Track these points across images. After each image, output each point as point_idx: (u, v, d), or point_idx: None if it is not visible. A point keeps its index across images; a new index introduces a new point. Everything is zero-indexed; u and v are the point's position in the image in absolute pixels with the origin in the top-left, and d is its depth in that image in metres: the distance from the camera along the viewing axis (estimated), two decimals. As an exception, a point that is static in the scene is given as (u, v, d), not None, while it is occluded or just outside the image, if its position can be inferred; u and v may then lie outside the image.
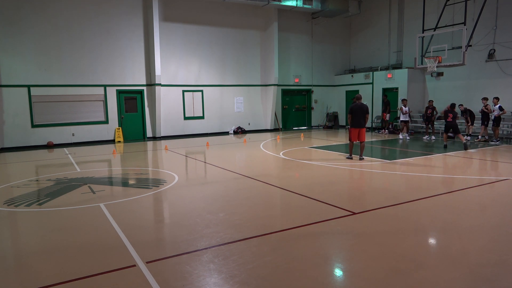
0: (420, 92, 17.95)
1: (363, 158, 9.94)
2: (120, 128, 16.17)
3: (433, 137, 14.71)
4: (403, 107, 15.28)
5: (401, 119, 15.54)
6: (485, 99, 13.36)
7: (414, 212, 5.48)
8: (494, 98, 13.22)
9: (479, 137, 13.54)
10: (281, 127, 20.47)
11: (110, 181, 8.24)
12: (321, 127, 21.78)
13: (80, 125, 15.44)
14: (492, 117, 13.18)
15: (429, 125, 14.96)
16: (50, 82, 14.65)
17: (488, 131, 13.72)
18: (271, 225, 5.04)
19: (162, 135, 17.12)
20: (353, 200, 6.34)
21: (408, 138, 14.93)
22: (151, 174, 8.99)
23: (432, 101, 15.24)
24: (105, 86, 15.75)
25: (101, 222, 5.28)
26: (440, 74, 16.93)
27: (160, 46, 16.33)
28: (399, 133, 15.98)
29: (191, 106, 17.88)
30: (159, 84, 16.26)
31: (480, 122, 13.68)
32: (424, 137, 14.94)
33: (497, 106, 12.98)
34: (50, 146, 14.66)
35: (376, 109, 19.00)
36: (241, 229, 4.86)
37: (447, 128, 12.34)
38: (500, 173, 8.40)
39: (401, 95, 17.64)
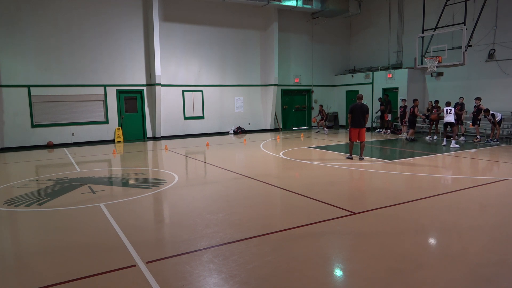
0: (420, 92, 17.94)
1: (363, 158, 9.94)
2: (120, 128, 16.17)
3: (435, 137, 14.68)
4: (461, 104, 12.75)
5: (448, 120, 12.58)
6: (478, 99, 13.38)
7: (414, 212, 5.48)
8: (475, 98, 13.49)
9: (478, 137, 13.54)
10: (281, 127, 20.45)
11: (110, 181, 8.24)
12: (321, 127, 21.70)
13: (80, 125, 15.44)
14: (498, 119, 13.08)
15: (433, 125, 14.94)
16: (50, 82, 14.65)
17: (480, 131, 13.75)
18: (271, 225, 5.03)
19: (162, 135, 17.12)
20: (353, 200, 6.34)
21: (457, 146, 12.15)
22: (151, 174, 8.99)
23: (438, 101, 15.23)
24: (105, 86, 15.75)
25: (101, 222, 5.28)
26: (440, 74, 16.93)
27: (160, 46, 16.33)
28: (400, 133, 15.84)
29: (191, 106, 17.87)
30: (159, 84, 16.26)
31: (472, 121, 13.70)
32: (426, 137, 14.91)
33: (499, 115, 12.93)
34: (50, 146, 14.65)
35: (376, 109, 18.97)
36: (241, 229, 4.86)
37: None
38: (500, 173, 8.40)
39: (401, 95, 17.63)
